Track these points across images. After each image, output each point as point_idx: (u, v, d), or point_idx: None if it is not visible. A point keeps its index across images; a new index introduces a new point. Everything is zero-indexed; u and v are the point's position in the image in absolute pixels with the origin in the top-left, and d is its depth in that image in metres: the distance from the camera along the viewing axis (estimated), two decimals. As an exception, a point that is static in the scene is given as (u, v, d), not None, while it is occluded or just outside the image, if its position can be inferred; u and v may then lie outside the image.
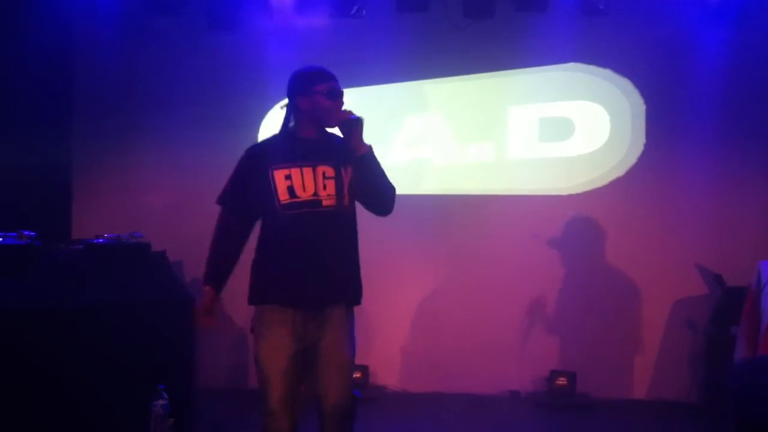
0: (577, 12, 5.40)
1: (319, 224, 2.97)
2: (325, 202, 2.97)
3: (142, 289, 4.24)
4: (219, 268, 3.05)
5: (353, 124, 2.98)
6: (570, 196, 5.55)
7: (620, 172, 5.50)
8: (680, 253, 5.37)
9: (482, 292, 5.55)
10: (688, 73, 5.36)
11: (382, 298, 5.27)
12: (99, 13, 5.61)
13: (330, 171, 3.00)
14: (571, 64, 5.51)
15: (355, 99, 5.70)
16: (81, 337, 3.94)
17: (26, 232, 4.18)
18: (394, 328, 5.61)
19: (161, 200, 5.74)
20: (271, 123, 5.27)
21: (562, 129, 5.57)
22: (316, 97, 3.01)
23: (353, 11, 5.58)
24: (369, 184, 3.02)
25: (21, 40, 5.24)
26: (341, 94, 3.06)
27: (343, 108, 3.04)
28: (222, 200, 3.10)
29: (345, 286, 3.03)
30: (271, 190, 2.97)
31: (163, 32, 5.71)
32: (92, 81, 5.78)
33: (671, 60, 5.42)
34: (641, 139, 5.46)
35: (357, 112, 2.99)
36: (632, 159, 5.48)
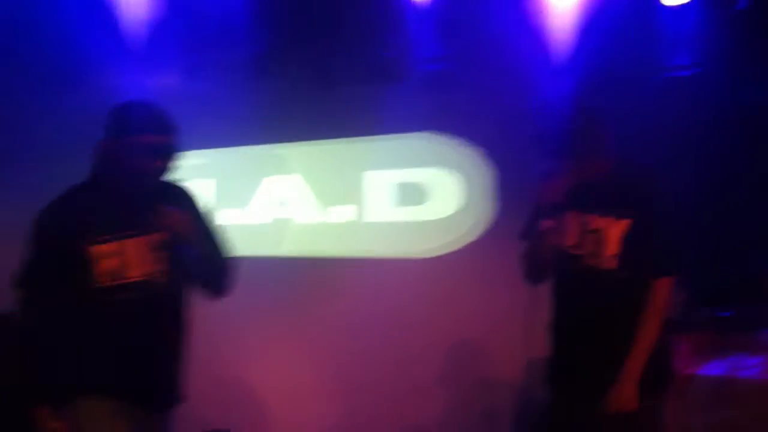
0: (430, 84, 5.52)
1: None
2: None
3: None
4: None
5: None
6: (425, 260, 5.62)
7: (473, 236, 5.63)
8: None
9: (346, 359, 5.47)
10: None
11: (241, 367, 5.07)
12: None
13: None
14: (426, 133, 5.67)
15: (212, 160, 5.71)
16: None
17: None
18: (258, 398, 5.37)
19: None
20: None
21: (416, 194, 5.70)
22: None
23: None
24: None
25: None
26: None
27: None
28: None
29: None
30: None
31: None
32: None
33: (522, 128, 5.61)
34: (492, 205, 5.62)
35: None
36: (484, 224, 5.62)
